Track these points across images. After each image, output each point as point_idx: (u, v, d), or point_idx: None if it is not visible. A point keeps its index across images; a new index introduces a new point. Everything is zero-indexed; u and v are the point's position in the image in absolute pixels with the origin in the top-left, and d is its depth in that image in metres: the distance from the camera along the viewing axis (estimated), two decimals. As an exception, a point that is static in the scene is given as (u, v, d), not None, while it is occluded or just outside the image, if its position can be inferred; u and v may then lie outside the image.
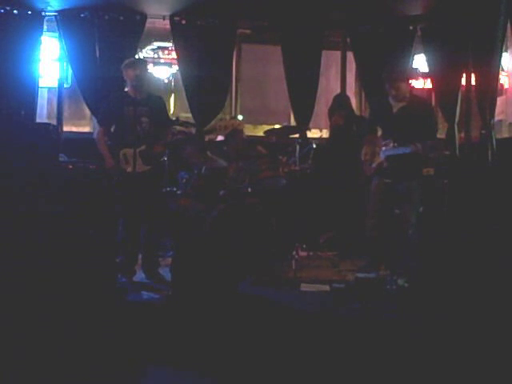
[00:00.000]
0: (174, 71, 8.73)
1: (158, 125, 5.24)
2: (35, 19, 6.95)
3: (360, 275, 5.26)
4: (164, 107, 5.49)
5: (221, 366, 3.41)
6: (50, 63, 7.48)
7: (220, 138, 7.30)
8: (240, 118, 7.81)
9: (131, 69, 5.19)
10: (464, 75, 7.32)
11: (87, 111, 7.61)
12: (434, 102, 8.61)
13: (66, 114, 7.70)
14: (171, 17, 7.21)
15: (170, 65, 8.94)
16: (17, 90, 6.83)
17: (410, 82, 5.53)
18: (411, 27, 7.38)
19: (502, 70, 7.63)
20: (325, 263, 6.12)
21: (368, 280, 5.04)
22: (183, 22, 7.21)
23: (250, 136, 7.24)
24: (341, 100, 6.92)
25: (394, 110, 5.41)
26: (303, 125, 7.30)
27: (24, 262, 3.92)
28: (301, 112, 7.51)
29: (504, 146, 6.94)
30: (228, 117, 7.81)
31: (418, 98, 5.70)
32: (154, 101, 5.30)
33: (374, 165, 5.43)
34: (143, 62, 5.55)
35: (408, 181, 5.34)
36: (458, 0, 6.78)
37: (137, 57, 7.59)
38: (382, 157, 5.35)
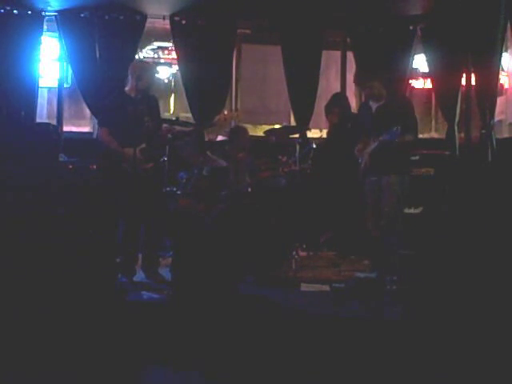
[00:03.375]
0: (174, 71, 8.72)
1: (157, 123, 5.27)
2: (35, 19, 6.95)
3: (360, 275, 5.26)
4: (158, 106, 5.52)
5: (221, 366, 3.41)
6: (50, 63, 7.48)
7: (220, 138, 7.31)
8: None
9: (141, 77, 5.20)
10: (464, 75, 7.33)
11: (87, 111, 7.61)
12: (433, 102, 8.63)
13: (66, 114, 7.68)
14: (171, 17, 7.21)
15: (170, 65, 8.94)
16: (17, 89, 6.82)
17: (383, 81, 5.46)
18: (411, 27, 7.38)
19: (502, 70, 7.63)
20: (325, 263, 6.12)
21: (368, 280, 5.04)
22: (183, 22, 7.21)
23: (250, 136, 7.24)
24: (338, 98, 6.91)
25: (373, 110, 5.41)
26: (303, 125, 7.29)
27: (24, 262, 3.93)
28: (301, 112, 7.50)
29: (504, 146, 6.95)
30: (225, 111, 7.80)
31: (396, 96, 5.67)
32: (151, 100, 5.35)
33: (362, 164, 5.42)
34: (152, 67, 5.66)
35: (387, 175, 5.28)
36: (457, 0, 6.78)
37: (137, 57, 7.60)
38: (365, 157, 5.35)
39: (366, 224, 5.60)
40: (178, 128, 5.59)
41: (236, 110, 7.79)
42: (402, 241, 5.24)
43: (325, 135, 7.21)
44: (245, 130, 6.39)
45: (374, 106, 5.41)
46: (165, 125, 5.49)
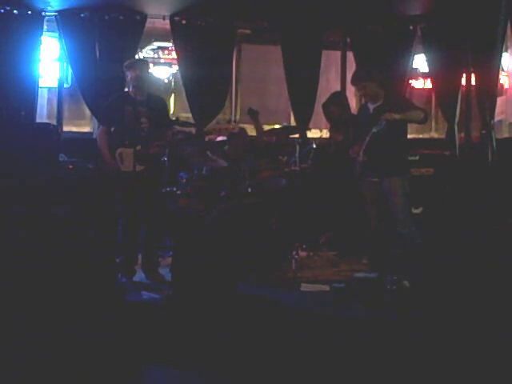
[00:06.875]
0: (174, 71, 8.72)
1: (158, 125, 5.23)
2: (35, 19, 6.95)
3: (360, 275, 5.25)
4: (165, 108, 5.49)
5: (221, 366, 3.41)
6: (50, 63, 7.48)
7: (220, 137, 7.31)
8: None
9: (132, 69, 5.19)
10: (464, 75, 7.33)
11: (87, 111, 7.61)
12: (433, 102, 8.64)
13: (66, 113, 7.69)
14: (171, 17, 7.21)
15: (170, 65, 8.93)
16: (17, 89, 6.82)
17: (379, 81, 5.36)
18: (411, 27, 7.39)
19: (502, 70, 7.63)
20: (325, 263, 6.11)
21: (368, 280, 5.03)
22: (183, 21, 7.22)
23: (250, 136, 7.25)
24: (336, 97, 6.87)
25: (370, 111, 5.29)
26: (303, 125, 7.29)
27: (24, 262, 3.93)
28: (301, 112, 7.51)
29: (504, 146, 6.96)
30: (227, 118, 7.82)
31: (392, 96, 5.58)
32: (154, 101, 5.29)
33: (358, 164, 5.33)
34: (144, 63, 5.54)
35: (390, 177, 5.17)
36: (457, 0, 6.78)
37: (137, 57, 7.59)
38: (360, 156, 5.27)
39: (369, 223, 5.50)
40: (178, 128, 5.59)
41: (236, 121, 7.81)
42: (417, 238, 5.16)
43: (325, 135, 7.20)
44: (244, 132, 6.39)
45: (371, 107, 5.29)
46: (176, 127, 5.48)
